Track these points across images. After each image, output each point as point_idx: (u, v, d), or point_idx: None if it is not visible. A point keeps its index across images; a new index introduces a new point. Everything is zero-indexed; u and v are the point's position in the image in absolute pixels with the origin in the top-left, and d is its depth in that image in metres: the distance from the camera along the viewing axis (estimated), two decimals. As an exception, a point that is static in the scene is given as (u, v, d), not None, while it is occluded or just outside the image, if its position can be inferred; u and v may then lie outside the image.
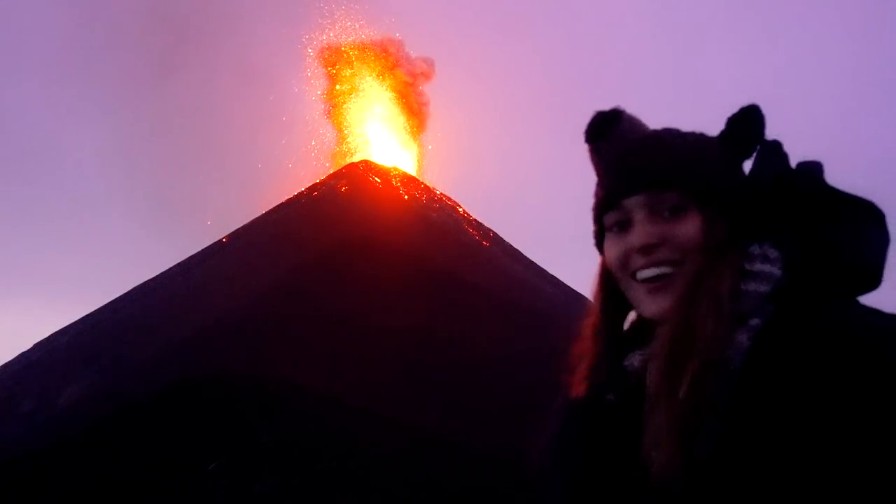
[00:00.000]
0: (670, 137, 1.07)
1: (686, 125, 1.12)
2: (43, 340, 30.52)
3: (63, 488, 12.88)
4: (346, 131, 47.62)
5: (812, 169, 1.07)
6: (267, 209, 37.34)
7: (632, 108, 1.11)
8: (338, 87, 48.48)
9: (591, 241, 1.13)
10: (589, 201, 1.12)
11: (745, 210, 1.03)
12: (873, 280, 1.02)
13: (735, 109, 1.07)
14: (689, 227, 1.01)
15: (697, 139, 1.07)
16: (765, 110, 1.06)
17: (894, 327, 0.93)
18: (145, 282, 33.07)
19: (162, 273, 33.35)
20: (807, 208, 1.03)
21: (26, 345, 31.02)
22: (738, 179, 1.05)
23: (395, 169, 41.76)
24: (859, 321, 0.94)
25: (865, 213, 1.03)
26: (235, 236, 34.45)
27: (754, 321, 0.97)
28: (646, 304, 1.04)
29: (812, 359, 0.91)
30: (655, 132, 1.10)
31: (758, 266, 1.00)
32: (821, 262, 0.99)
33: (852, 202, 1.03)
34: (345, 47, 48.85)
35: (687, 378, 0.96)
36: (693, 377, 0.95)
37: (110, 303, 31.94)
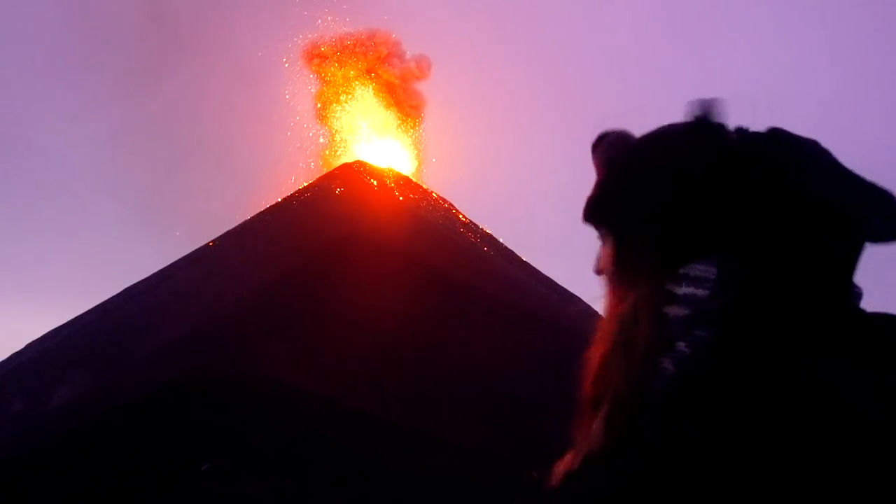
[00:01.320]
0: (612, 166, 1.08)
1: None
2: (35, 340, 30.44)
3: (54, 490, 12.82)
4: (339, 132, 47.60)
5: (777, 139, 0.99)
6: (259, 211, 37.29)
7: (631, 107, 1.09)
8: (331, 87, 48.44)
9: (587, 242, 1.14)
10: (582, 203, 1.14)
11: (671, 232, 0.99)
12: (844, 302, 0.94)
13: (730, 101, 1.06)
14: (604, 255, 1.07)
15: (639, 160, 1.04)
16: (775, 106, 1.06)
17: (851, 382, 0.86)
18: (136, 283, 33.00)
19: (153, 274, 33.28)
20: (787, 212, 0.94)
21: (18, 345, 30.95)
22: (676, 196, 1.00)
23: (390, 170, 41.70)
24: (801, 364, 0.86)
25: (877, 208, 0.93)
26: (225, 239, 34.35)
27: (680, 346, 0.93)
28: None
29: (736, 401, 0.85)
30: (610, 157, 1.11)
31: (682, 289, 0.96)
32: (788, 284, 0.92)
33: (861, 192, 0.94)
34: (338, 47, 48.80)
35: (605, 405, 0.98)
36: (610, 403, 0.97)
37: (102, 303, 31.86)
